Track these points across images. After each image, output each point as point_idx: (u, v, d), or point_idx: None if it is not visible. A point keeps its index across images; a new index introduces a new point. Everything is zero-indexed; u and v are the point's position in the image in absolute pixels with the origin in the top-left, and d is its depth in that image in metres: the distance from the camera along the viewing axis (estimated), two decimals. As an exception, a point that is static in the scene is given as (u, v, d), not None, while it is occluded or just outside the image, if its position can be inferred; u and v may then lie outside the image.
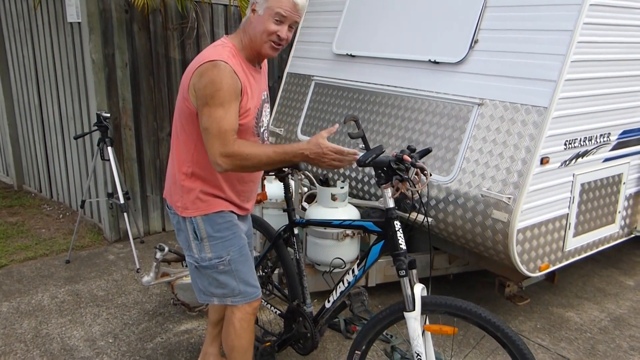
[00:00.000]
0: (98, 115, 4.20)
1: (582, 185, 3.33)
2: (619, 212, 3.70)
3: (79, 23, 4.65)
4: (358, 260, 2.47)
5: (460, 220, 3.21)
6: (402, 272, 2.19)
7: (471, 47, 3.38)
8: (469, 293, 4.04)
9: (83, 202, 4.42)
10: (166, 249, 3.22)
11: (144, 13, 4.66)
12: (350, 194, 3.94)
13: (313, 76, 4.54)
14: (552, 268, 3.31)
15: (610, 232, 3.68)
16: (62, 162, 5.54)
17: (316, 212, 3.47)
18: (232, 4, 5.22)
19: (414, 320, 2.16)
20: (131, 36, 4.71)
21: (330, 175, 4.13)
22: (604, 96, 3.28)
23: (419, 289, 2.19)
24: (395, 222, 2.30)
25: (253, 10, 2.17)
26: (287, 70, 4.90)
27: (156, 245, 3.27)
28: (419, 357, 2.17)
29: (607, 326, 3.65)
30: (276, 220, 3.84)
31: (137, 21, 4.72)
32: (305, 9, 2.20)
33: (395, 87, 3.80)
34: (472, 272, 4.00)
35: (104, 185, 4.69)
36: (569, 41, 2.94)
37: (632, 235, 3.92)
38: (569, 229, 3.33)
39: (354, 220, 2.54)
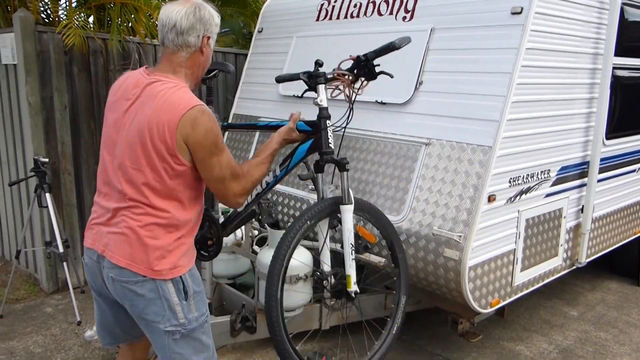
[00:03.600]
0: (35, 161, 4.02)
1: (527, 220, 3.43)
2: (561, 245, 3.82)
3: (14, 65, 4.48)
4: (282, 161, 2.55)
5: (412, 259, 3.22)
6: (343, 168, 2.47)
7: (416, 88, 3.47)
8: (423, 331, 4.04)
9: (18, 252, 4.17)
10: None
11: (83, 52, 4.54)
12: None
13: (260, 117, 4.53)
14: (502, 303, 3.36)
15: (554, 265, 3.79)
16: (-6, 209, 5.24)
17: (268, 255, 3.38)
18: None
19: (349, 212, 2.46)
20: (71, 78, 4.58)
21: (280, 217, 4.08)
22: (543, 134, 3.41)
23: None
24: (327, 121, 2.45)
25: (203, 48, 2.12)
26: (233, 111, 4.87)
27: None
28: (352, 246, 2.47)
29: (556, 358, 3.72)
30: (225, 265, 3.76)
31: (77, 62, 4.60)
32: None
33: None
34: (424, 309, 4.01)
35: (41, 233, 4.45)
36: (509, 83, 3.07)
37: (574, 267, 4.05)
38: (517, 263, 3.41)
39: (282, 121, 2.69)
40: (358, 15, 4.01)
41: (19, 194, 4.81)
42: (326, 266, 2.56)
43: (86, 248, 2.20)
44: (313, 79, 2.52)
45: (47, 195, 4.01)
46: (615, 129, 4.10)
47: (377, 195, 3.46)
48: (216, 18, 2.14)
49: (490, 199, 3.09)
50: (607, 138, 3.99)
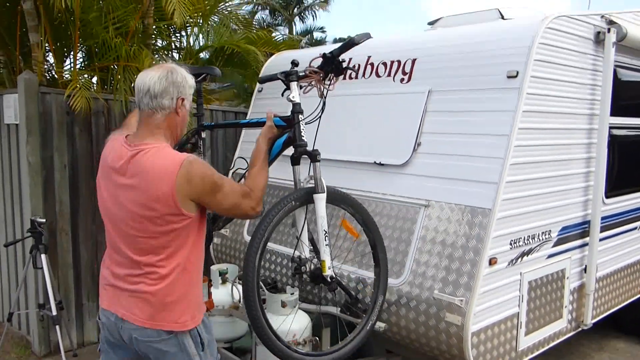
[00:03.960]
0: (32, 221, 3.99)
1: (530, 283, 3.37)
2: (566, 307, 3.74)
3: (16, 124, 4.52)
4: None
5: (413, 323, 3.15)
6: (315, 159, 2.64)
7: (415, 149, 3.48)
8: (425, 397, 3.89)
9: (11, 314, 4.09)
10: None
11: (86, 114, 4.58)
12: (301, 298, 3.82)
13: (259, 176, 4.52)
14: (507, 370, 3.26)
15: (559, 327, 3.70)
16: (-11, 269, 5.17)
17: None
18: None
19: (321, 200, 2.62)
20: (72, 138, 4.62)
21: (278, 277, 4.01)
22: (542, 195, 3.40)
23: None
24: (300, 115, 2.62)
25: (178, 109, 2.20)
26: (232, 171, 4.87)
27: None
28: (325, 233, 2.61)
29: None
30: (222, 328, 3.67)
31: (78, 123, 4.64)
32: None
33: (342, 188, 3.81)
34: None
35: (35, 295, 4.38)
36: (506, 145, 3.07)
37: (580, 329, 3.95)
38: (521, 327, 3.32)
39: (260, 119, 2.84)
40: (356, 77, 4.06)
41: (15, 254, 4.76)
42: (305, 251, 2.69)
43: (102, 309, 2.26)
44: (287, 77, 2.71)
45: (43, 256, 3.97)
46: (614, 188, 4.09)
47: (376, 256, 3.40)
48: (189, 80, 2.25)
49: (492, 261, 3.04)
50: (607, 197, 3.98)
